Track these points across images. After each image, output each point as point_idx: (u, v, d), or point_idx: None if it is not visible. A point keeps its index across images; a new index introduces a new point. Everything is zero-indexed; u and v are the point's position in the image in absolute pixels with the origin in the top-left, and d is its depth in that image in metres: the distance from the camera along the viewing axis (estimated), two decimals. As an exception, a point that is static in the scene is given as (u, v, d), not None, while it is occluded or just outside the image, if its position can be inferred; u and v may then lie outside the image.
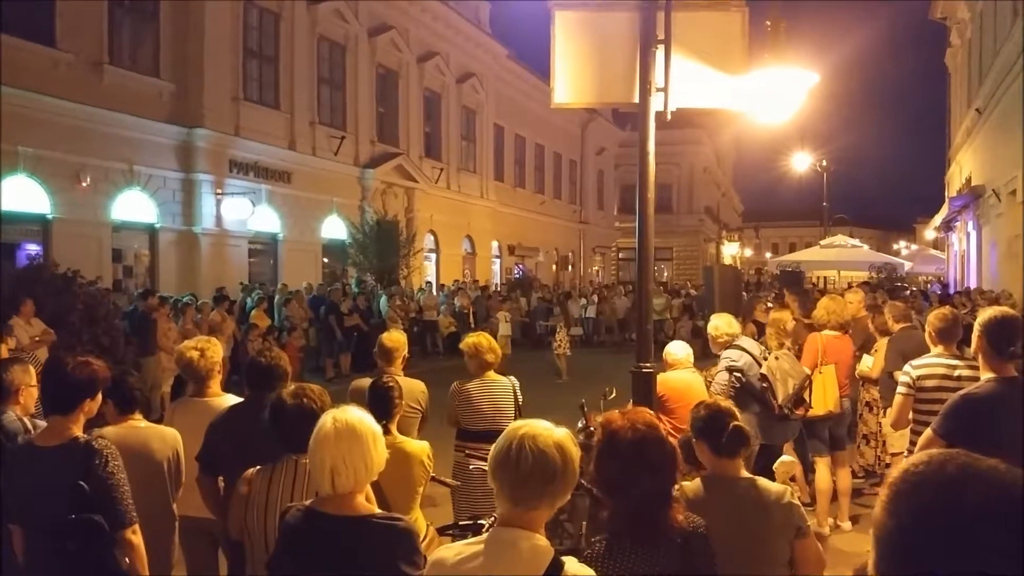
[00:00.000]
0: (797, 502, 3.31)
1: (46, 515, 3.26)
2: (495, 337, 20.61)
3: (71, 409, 3.50)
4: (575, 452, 2.30)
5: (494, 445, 2.31)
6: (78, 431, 3.51)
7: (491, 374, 5.70)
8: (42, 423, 4.11)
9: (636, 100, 5.05)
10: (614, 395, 6.52)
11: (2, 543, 3.81)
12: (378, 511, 2.75)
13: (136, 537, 3.44)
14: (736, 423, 3.26)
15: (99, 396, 3.65)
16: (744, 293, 17.18)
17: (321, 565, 2.64)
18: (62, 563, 3.24)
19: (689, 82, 5.05)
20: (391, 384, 4.50)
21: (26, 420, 4.01)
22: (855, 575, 1.29)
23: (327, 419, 2.70)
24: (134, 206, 18.16)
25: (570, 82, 5.27)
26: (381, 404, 4.21)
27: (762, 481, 3.32)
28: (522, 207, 37.22)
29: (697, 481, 3.28)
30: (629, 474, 2.56)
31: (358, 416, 2.73)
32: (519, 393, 5.72)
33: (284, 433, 3.32)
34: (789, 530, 3.18)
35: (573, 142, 43.43)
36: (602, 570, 2.47)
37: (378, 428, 2.77)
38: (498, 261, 35.87)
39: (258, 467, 3.34)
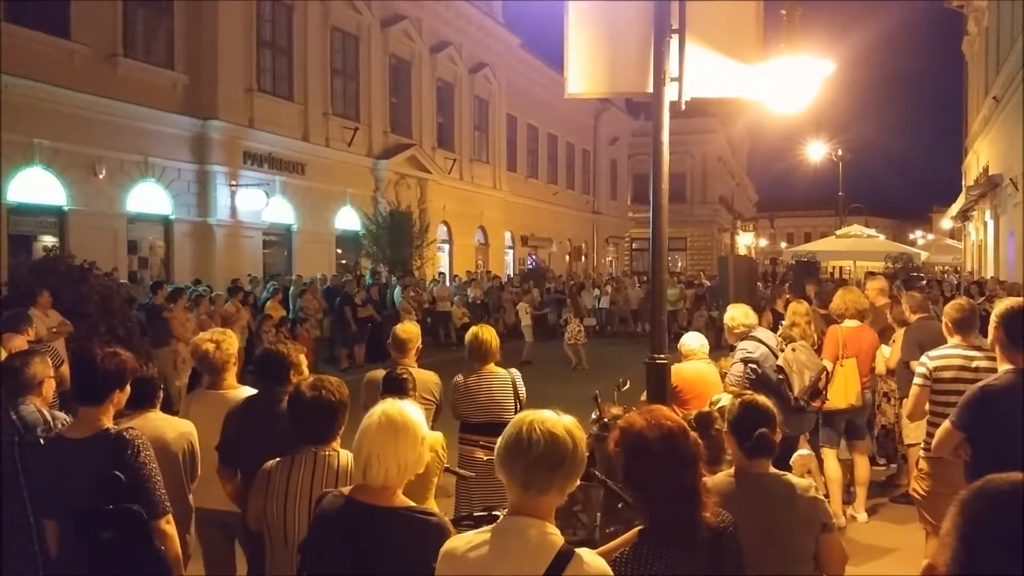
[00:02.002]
0: (822, 496, 3.31)
1: (79, 506, 3.29)
2: (519, 328, 20.35)
3: (102, 400, 3.53)
4: (582, 436, 2.32)
5: (503, 433, 2.31)
6: (108, 422, 3.54)
7: (491, 367, 5.74)
8: (60, 414, 4.14)
9: (650, 90, 5.01)
10: (628, 386, 6.50)
11: (28, 535, 3.85)
12: (414, 505, 2.76)
13: (170, 527, 3.48)
14: (762, 431, 3.22)
15: (128, 387, 3.68)
16: (760, 284, 17.11)
17: (352, 551, 2.65)
18: (97, 553, 3.27)
19: (703, 71, 5.01)
20: (405, 376, 4.56)
21: (45, 411, 4.04)
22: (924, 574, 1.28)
23: (376, 410, 2.73)
24: (149, 198, 18.25)
25: (583, 72, 5.24)
26: (395, 395, 4.23)
27: (787, 476, 3.32)
28: (535, 197, 37.17)
29: (723, 475, 3.27)
30: (659, 473, 2.50)
31: (403, 415, 2.72)
32: (520, 385, 5.75)
33: (302, 425, 3.34)
34: (815, 526, 3.17)
35: (586, 132, 43.30)
36: (632, 573, 2.43)
37: (423, 431, 2.76)
38: (511, 252, 35.86)
39: (277, 459, 3.35)
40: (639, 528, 2.56)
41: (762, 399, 3.42)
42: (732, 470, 3.30)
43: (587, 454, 2.36)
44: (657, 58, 4.91)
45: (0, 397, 4.11)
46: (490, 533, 2.28)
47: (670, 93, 4.93)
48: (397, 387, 4.44)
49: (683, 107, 4.98)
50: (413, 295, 20.17)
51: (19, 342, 6.74)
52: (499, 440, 2.31)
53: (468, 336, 5.86)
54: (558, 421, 2.28)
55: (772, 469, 3.31)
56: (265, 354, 4.43)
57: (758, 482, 3.21)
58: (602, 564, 2.25)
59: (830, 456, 7.06)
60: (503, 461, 2.28)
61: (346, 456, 3.29)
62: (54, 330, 8.98)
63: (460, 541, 2.33)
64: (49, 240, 16.06)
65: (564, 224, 40.36)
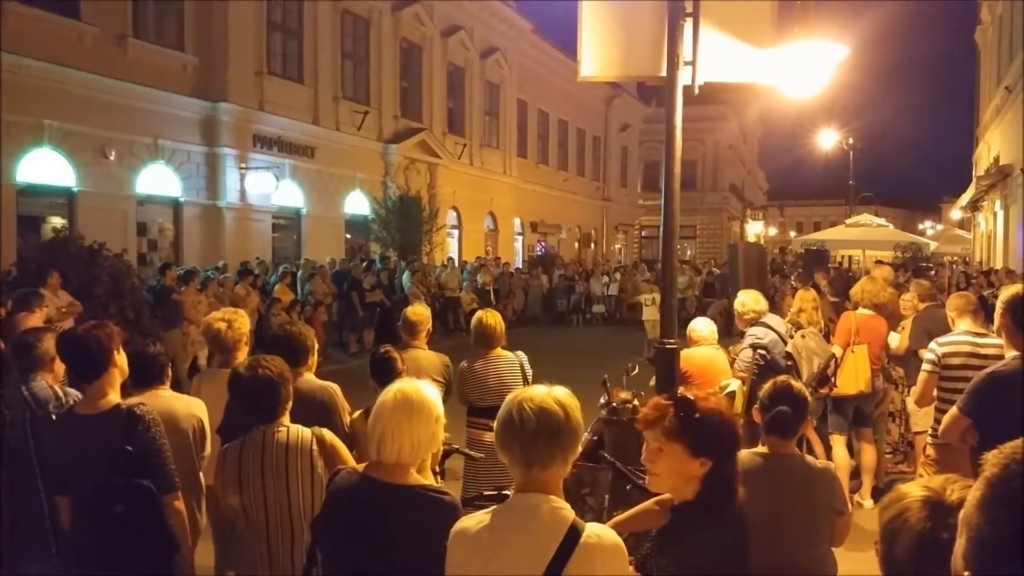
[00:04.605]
0: (840, 482, 3.42)
1: (90, 481, 3.31)
2: (527, 314, 20.51)
3: (100, 373, 3.55)
4: (574, 403, 2.32)
5: (496, 417, 2.32)
6: (117, 396, 3.57)
7: (498, 350, 5.79)
8: (72, 391, 4.16)
9: (663, 73, 5.00)
10: (636, 371, 6.52)
11: (40, 511, 3.89)
12: (428, 484, 2.77)
13: (179, 503, 3.52)
14: (779, 409, 3.29)
15: (121, 351, 3.69)
16: (770, 273, 17.08)
17: (365, 527, 2.67)
18: (108, 528, 3.30)
19: (717, 55, 4.99)
20: (392, 356, 4.67)
21: (57, 388, 4.07)
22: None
23: (393, 388, 2.74)
24: (158, 180, 18.26)
25: (596, 56, 5.22)
26: (382, 373, 4.38)
27: (812, 459, 3.44)
28: (545, 184, 37.05)
29: (750, 452, 3.33)
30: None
31: (420, 393, 2.73)
32: (527, 367, 5.81)
33: (247, 405, 3.38)
34: (831, 512, 3.28)
35: (597, 118, 43.11)
36: (655, 567, 2.45)
37: (438, 410, 2.77)
38: (520, 238, 35.80)
39: (232, 441, 3.39)
40: (671, 506, 2.56)
41: (797, 384, 3.50)
42: (760, 447, 3.40)
43: (583, 425, 2.36)
44: (671, 42, 4.89)
45: (9, 373, 4.14)
46: (501, 511, 2.28)
47: (683, 77, 4.91)
48: (384, 367, 4.50)
49: (696, 91, 4.97)
50: (422, 280, 20.20)
51: (35, 320, 6.78)
52: (495, 424, 2.32)
53: (473, 322, 5.89)
54: (547, 394, 2.28)
55: (796, 450, 3.41)
56: (280, 336, 4.41)
57: (780, 462, 3.29)
58: (614, 536, 2.25)
59: (838, 443, 7.07)
60: (501, 444, 2.28)
61: (296, 430, 3.35)
62: (64, 310, 9.03)
63: (471, 521, 2.32)
64: (58, 221, 16.06)
65: (574, 211, 40.23)
